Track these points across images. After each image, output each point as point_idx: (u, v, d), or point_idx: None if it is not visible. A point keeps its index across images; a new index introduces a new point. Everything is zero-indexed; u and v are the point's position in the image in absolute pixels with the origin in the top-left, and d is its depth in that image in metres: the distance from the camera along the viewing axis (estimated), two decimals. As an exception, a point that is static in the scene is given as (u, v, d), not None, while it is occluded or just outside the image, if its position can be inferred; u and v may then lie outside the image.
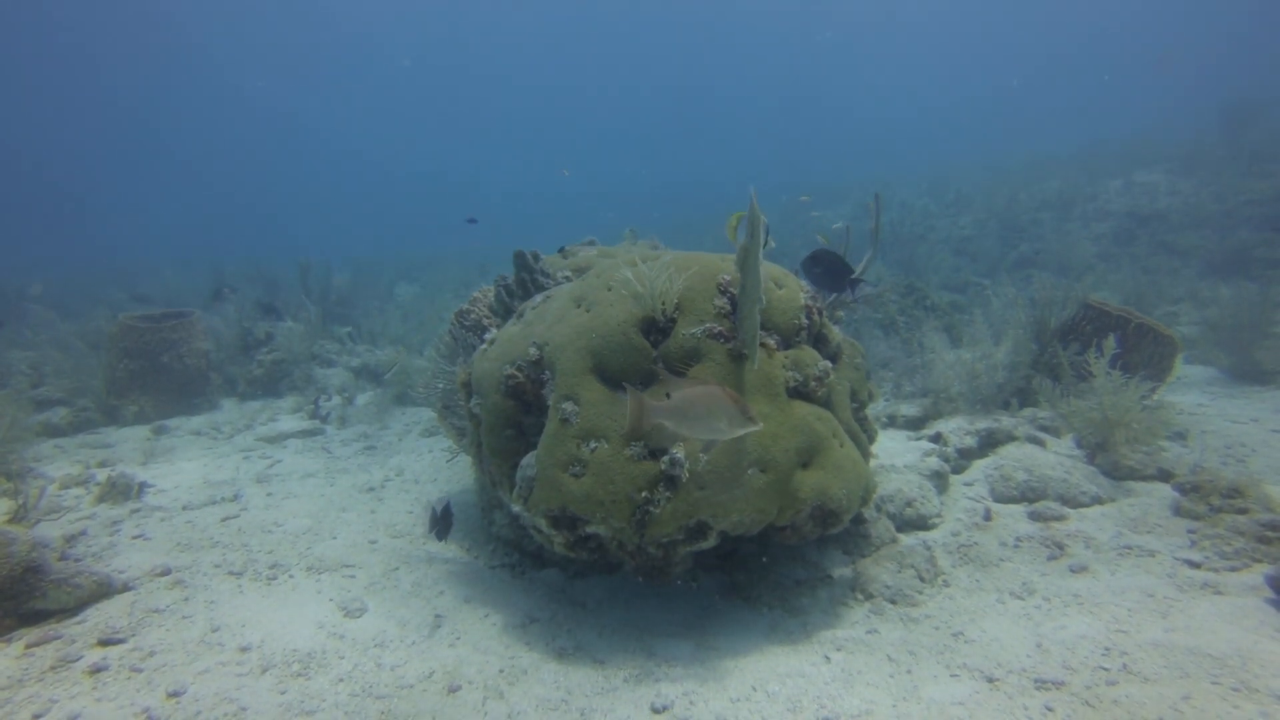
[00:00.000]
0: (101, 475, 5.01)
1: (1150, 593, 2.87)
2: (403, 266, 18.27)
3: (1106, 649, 2.50)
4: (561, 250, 4.32)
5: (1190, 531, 3.32)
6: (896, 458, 4.56)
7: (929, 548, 3.41)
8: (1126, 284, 8.50)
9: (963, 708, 2.27)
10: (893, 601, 3.07)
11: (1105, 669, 2.39)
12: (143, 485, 4.80)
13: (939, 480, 4.15)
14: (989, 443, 4.67)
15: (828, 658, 2.68)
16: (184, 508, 4.51)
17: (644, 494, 2.67)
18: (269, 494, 4.86)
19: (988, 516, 3.77)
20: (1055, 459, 4.11)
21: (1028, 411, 5.06)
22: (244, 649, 2.78)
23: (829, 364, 3.15)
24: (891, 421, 5.54)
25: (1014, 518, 3.75)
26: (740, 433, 2.34)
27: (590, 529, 2.74)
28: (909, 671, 2.53)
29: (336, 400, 7.63)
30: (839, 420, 3.19)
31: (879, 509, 3.80)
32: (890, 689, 2.43)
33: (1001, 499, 3.99)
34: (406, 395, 7.55)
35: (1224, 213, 10.64)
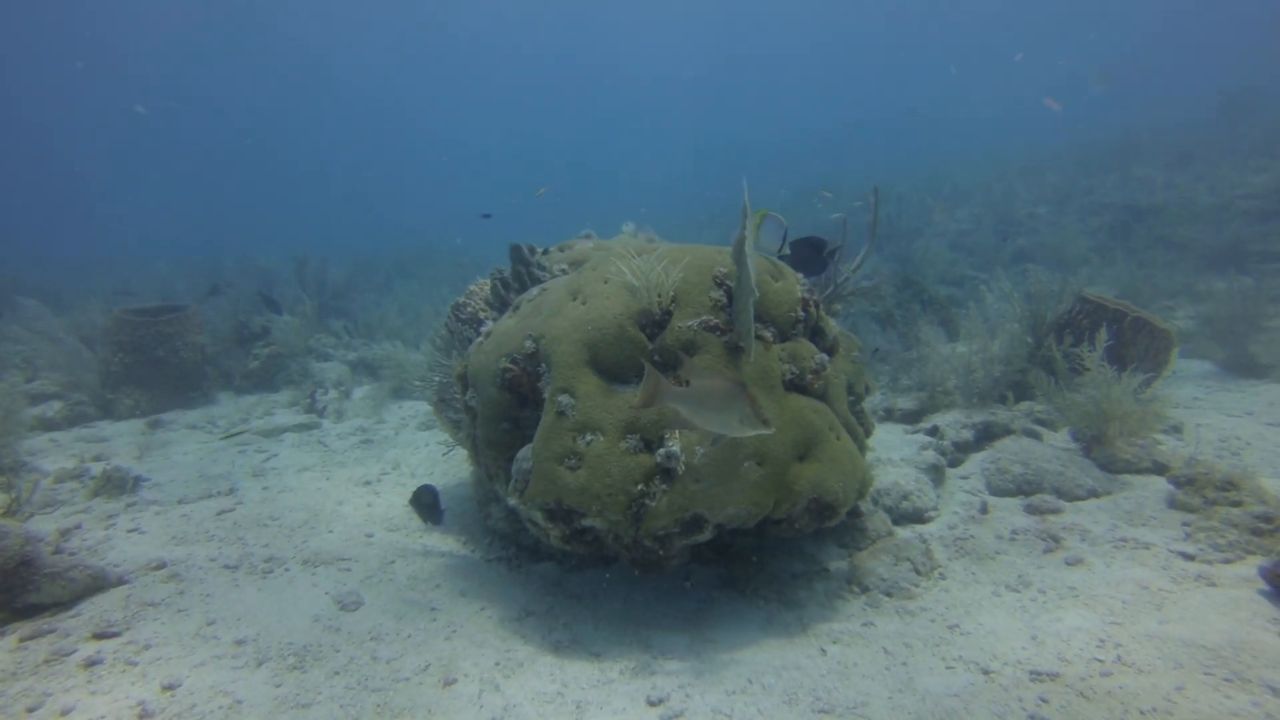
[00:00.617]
0: (97, 469, 4.99)
1: (1145, 585, 2.88)
2: (401, 261, 18.21)
3: (1101, 641, 2.51)
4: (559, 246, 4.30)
5: (1185, 524, 3.33)
6: (893, 451, 4.56)
7: (925, 541, 3.42)
8: (1123, 278, 8.50)
9: (958, 699, 2.27)
10: (889, 594, 3.08)
11: (1100, 660, 2.40)
12: (138, 479, 4.78)
13: (935, 473, 4.16)
14: (985, 436, 4.67)
15: (824, 650, 2.68)
16: (179, 501, 4.50)
17: (640, 487, 2.66)
18: (265, 488, 4.85)
19: (984, 509, 3.78)
20: (1051, 452, 4.12)
21: (1024, 405, 5.07)
22: (239, 642, 2.77)
23: (825, 357, 3.15)
24: (888, 415, 5.55)
25: (1010, 511, 3.76)
26: (750, 433, 2.31)
27: (586, 522, 2.74)
28: (905, 664, 2.53)
29: (333, 394, 7.61)
30: (835, 413, 3.19)
31: (875, 502, 3.81)
32: (886, 681, 2.44)
33: (997, 492, 4.00)
34: (403, 389, 7.54)
35: (1220, 206, 10.64)
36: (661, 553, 2.82)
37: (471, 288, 4.55)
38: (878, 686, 2.41)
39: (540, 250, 4.00)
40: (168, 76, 51.40)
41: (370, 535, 3.99)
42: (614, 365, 2.92)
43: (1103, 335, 4.31)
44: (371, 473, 5.18)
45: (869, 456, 4.37)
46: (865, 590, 3.12)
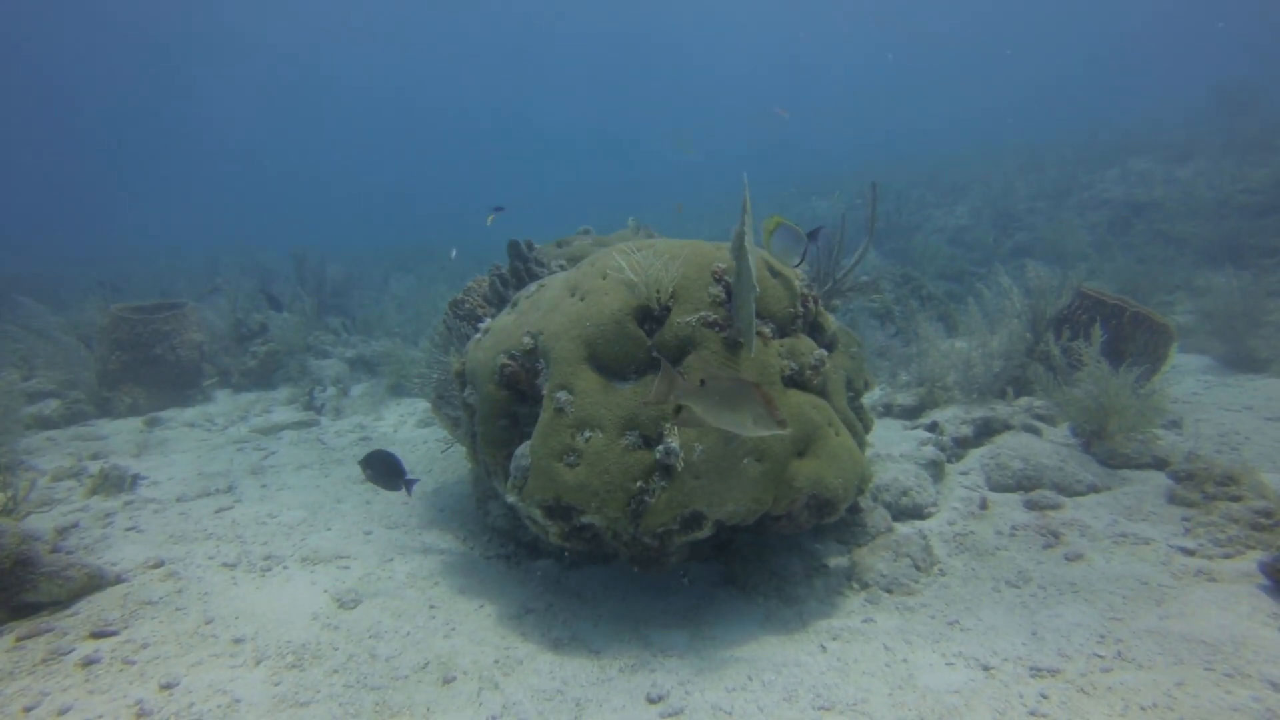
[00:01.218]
0: (94, 467, 4.97)
1: (1145, 580, 2.88)
2: (400, 257, 18.18)
3: (1101, 636, 2.51)
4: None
5: (1184, 519, 3.32)
6: (893, 447, 4.56)
7: (925, 537, 3.41)
8: (1122, 273, 8.49)
9: (958, 696, 2.27)
10: (889, 590, 3.07)
11: (1100, 656, 2.39)
12: (136, 477, 4.77)
13: (935, 469, 4.15)
14: (985, 431, 4.67)
15: (823, 647, 2.68)
16: (177, 499, 4.49)
17: (639, 484, 2.65)
18: (263, 486, 4.83)
19: (983, 505, 3.77)
20: (1051, 447, 4.12)
21: (1023, 400, 5.06)
22: (237, 641, 2.76)
23: (824, 352, 3.13)
24: (888, 410, 5.54)
25: (1010, 506, 3.75)
26: (763, 433, 2.30)
27: (585, 519, 2.73)
28: (905, 660, 2.53)
29: (331, 391, 7.59)
30: (835, 409, 3.18)
31: (875, 498, 3.80)
32: (886, 678, 2.43)
33: (997, 488, 4.00)
34: (402, 386, 7.52)
35: (1219, 201, 10.62)
36: (661, 550, 2.81)
37: (470, 284, 4.53)
38: (878, 683, 2.40)
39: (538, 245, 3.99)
40: (166, 75, 51.25)
41: (369, 533, 3.98)
42: (612, 361, 2.91)
43: (1097, 331, 4.31)
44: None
45: (868, 452, 4.36)
46: (865, 586, 3.12)
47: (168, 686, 2.42)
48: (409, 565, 3.55)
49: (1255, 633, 2.39)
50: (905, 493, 3.82)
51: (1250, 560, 2.91)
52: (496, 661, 2.68)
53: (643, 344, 2.91)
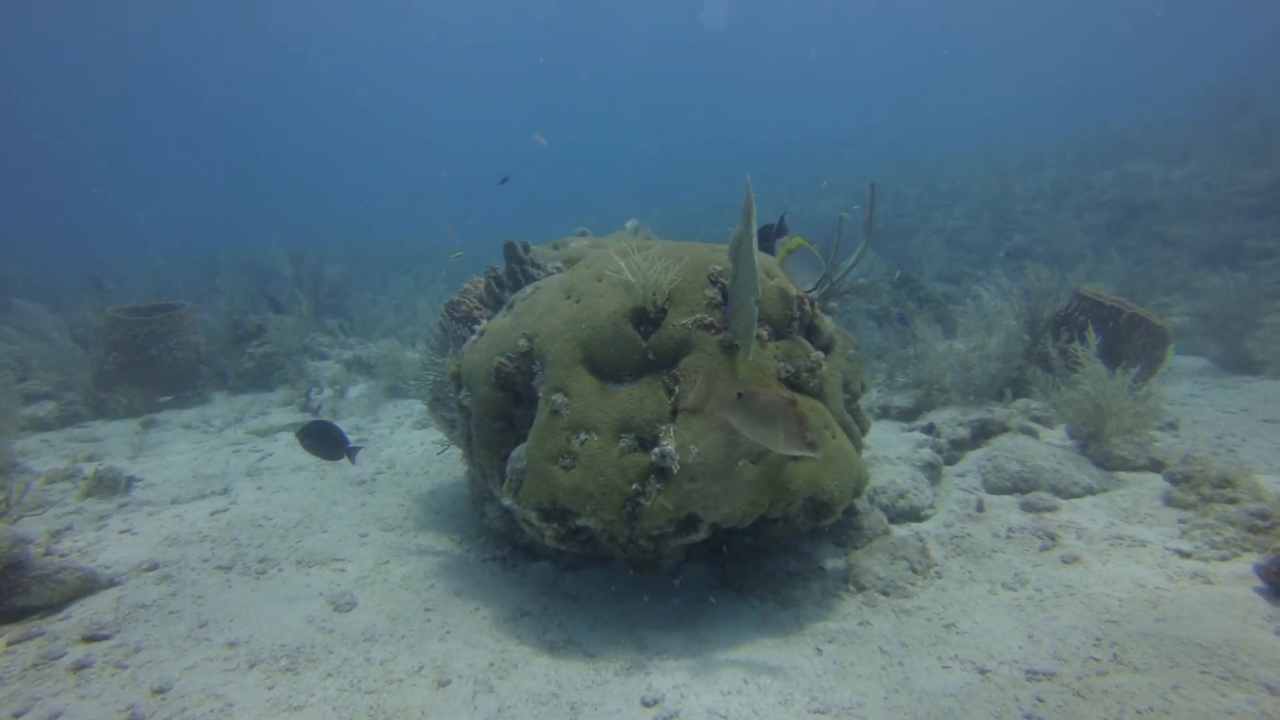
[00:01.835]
0: (89, 469, 4.95)
1: (1141, 583, 2.87)
2: (397, 258, 18.16)
3: (1098, 639, 2.50)
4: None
5: (1181, 521, 3.32)
6: (889, 449, 4.55)
7: (921, 539, 3.41)
8: (1119, 274, 8.50)
9: (954, 699, 2.26)
10: (885, 593, 3.06)
11: (1096, 659, 2.39)
12: (131, 479, 4.75)
13: (932, 471, 4.15)
14: (982, 434, 4.67)
15: (820, 650, 2.67)
16: (173, 502, 4.47)
17: (634, 486, 2.64)
18: (259, 487, 4.82)
19: (980, 507, 3.77)
20: (1048, 450, 4.12)
21: (1021, 402, 5.06)
22: (231, 644, 2.75)
23: (821, 355, 3.13)
24: (885, 413, 5.54)
25: (1006, 508, 3.75)
26: (792, 453, 2.35)
27: (580, 522, 2.72)
28: (901, 663, 2.52)
29: (328, 393, 7.58)
30: (831, 411, 3.17)
31: (872, 500, 3.79)
32: (882, 681, 2.42)
33: (994, 490, 4.00)
34: (398, 387, 7.51)
35: (1216, 203, 10.65)
36: (656, 552, 2.80)
37: (466, 286, 4.52)
38: (874, 686, 2.39)
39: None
40: (163, 73, 51.18)
41: (364, 535, 3.97)
42: (608, 364, 2.90)
43: (1092, 335, 4.31)
44: (366, 472, 5.16)
45: (865, 455, 4.35)
46: (861, 589, 3.11)
47: (160, 691, 2.41)
48: (405, 568, 3.54)
49: (1251, 636, 2.39)
50: (902, 495, 3.82)
51: (1246, 563, 2.91)
52: (492, 665, 2.67)
53: (638, 346, 2.90)
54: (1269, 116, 13.91)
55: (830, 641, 2.73)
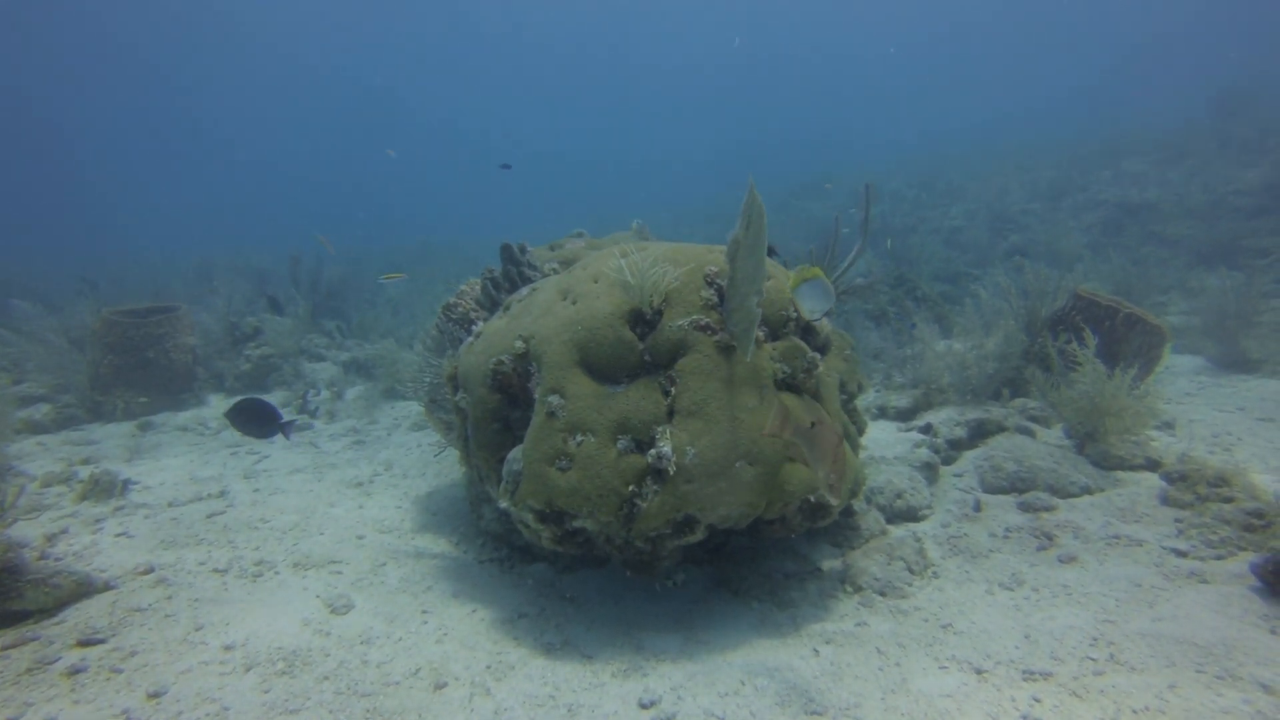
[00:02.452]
0: (85, 472, 4.94)
1: (1138, 582, 2.88)
2: (395, 259, 18.13)
3: (1094, 639, 2.51)
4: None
5: (1177, 520, 3.33)
6: (886, 449, 4.55)
7: (919, 539, 3.41)
8: (1116, 274, 8.52)
9: (951, 700, 2.26)
10: (882, 594, 3.06)
11: (1092, 659, 2.39)
12: (127, 482, 4.73)
13: (929, 471, 4.15)
14: (979, 433, 4.67)
15: (816, 651, 2.67)
16: (169, 504, 4.46)
17: (631, 488, 2.64)
18: (256, 490, 4.81)
19: (977, 507, 3.77)
20: (1045, 449, 4.12)
21: (1018, 402, 5.07)
22: (228, 647, 2.74)
23: (818, 355, 3.13)
24: (882, 413, 5.54)
25: (1004, 508, 3.75)
26: (815, 491, 2.66)
27: (577, 524, 2.72)
28: (898, 664, 2.52)
29: (325, 395, 7.57)
30: (828, 412, 3.17)
31: (869, 501, 3.80)
32: (879, 681, 2.42)
33: (991, 490, 4.00)
34: (396, 389, 7.50)
35: (1212, 202, 10.68)
36: (653, 554, 2.80)
37: (463, 288, 4.52)
38: (871, 687, 2.39)
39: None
40: (161, 73, 51.12)
41: (362, 537, 3.96)
42: (605, 365, 2.90)
43: (1090, 336, 4.32)
44: (363, 474, 5.15)
45: (862, 455, 4.36)
46: (858, 590, 3.11)
47: (156, 695, 2.40)
48: (401, 570, 3.53)
49: (1247, 635, 2.39)
50: (899, 495, 3.82)
51: (1242, 562, 2.91)
52: (489, 667, 2.67)
53: (635, 348, 2.90)
54: (1266, 116, 13.95)
55: (827, 642, 2.73)
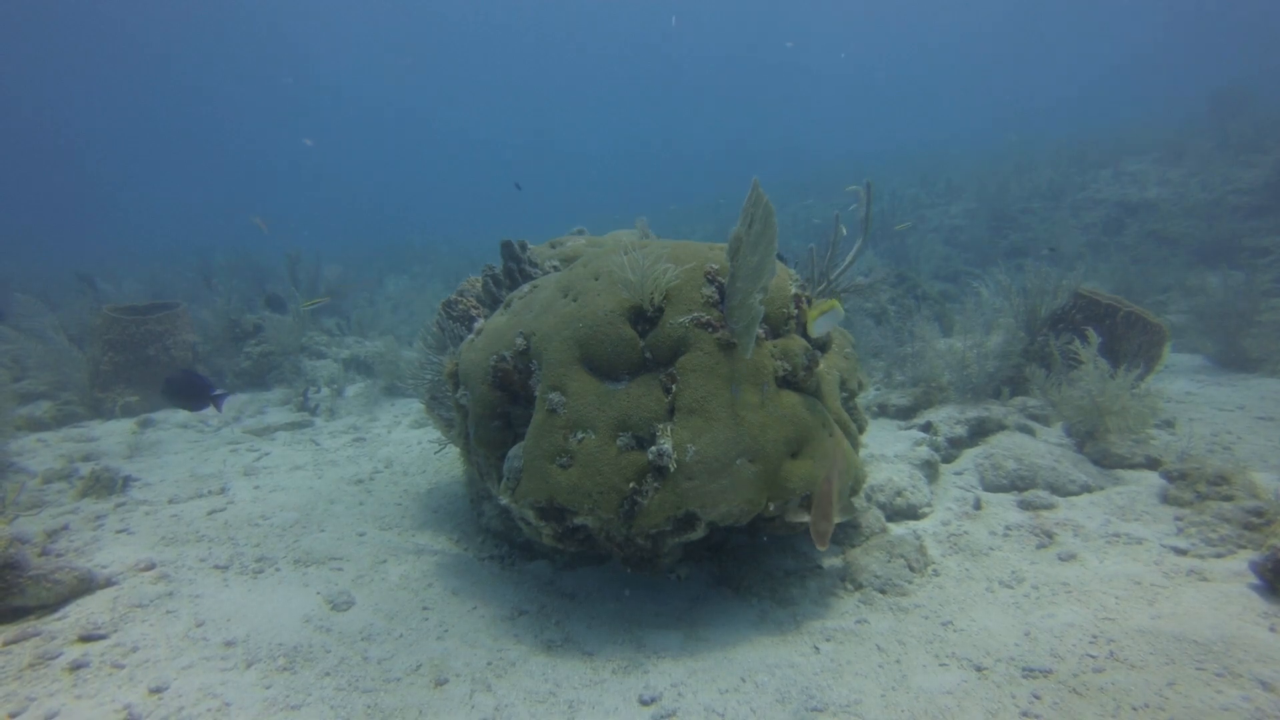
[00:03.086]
0: (85, 469, 4.94)
1: (1137, 580, 2.88)
2: (394, 258, 18.14)
3: (1094, 637, 2.51)
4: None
5: (1177, 519, 3.33)
6: (887, 447, 4.56)
7: (919, 537, 3.41)
8: (1116, 273, 8.53)
9: (951, 697, 2.27)
10: (882, 591, 3.07)
11: (1092, 656, 2.39)
12: (127, 479, 4.74)
13: (929, 469, 4.15)
14: (979, 431, 4.67)
15: (817, 648, 2.67)
16: (169, 501, 4.46)
17: (632, 485, 2.64)
18: (256, 487, 4.81)
19: (977, 505, 3.77)
20: (1045, 447, 4.12)
21: (1018, 400, 5.07)
22: (229, 643, 2.74)
23: (818, 353, 3.13)
24: (882, 411, 5.54)
25: (1004, 506, 3.76)
26: (834, 521, 2.64)
27: (578, 520, 2.72)
28: (898, 661, 2.53)
29: (325, 392, 7.56)
30: (828, 410, 3.18)
31: (869, 498, 3.80)
32: (879, 679, 2.43)
33: (991, 488, 4.00)
34: (396, 387, 7.50)
35: (1212, 201, 10.68)
36: (654, 551, 2.80)
37: (463, 285, 4.51)
38: (871, 684, 2.40)
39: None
40: (161, 73, 51.07)
41: (362, 534, 3.96)
42: (605, 362, 2.90)
43: (1093, 334, 4.32)
44: (364, 471, 5.15)
45: (862, 453, 4.36)
46: (859, 587, 3.11)
47: (157, 690, 2.41)
48: (402, 567, 3.54)
49: (1246, 632, 2.40)
50: (899, 493, 3.82)
51: (1242, 560, 2.92)
52: (489, 663, 2.67)
53: (635, 345, 2.90)
54: (1265, 116, 13.95)
55: (828, 639, 2.73)
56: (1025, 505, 3.70)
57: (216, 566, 3.48)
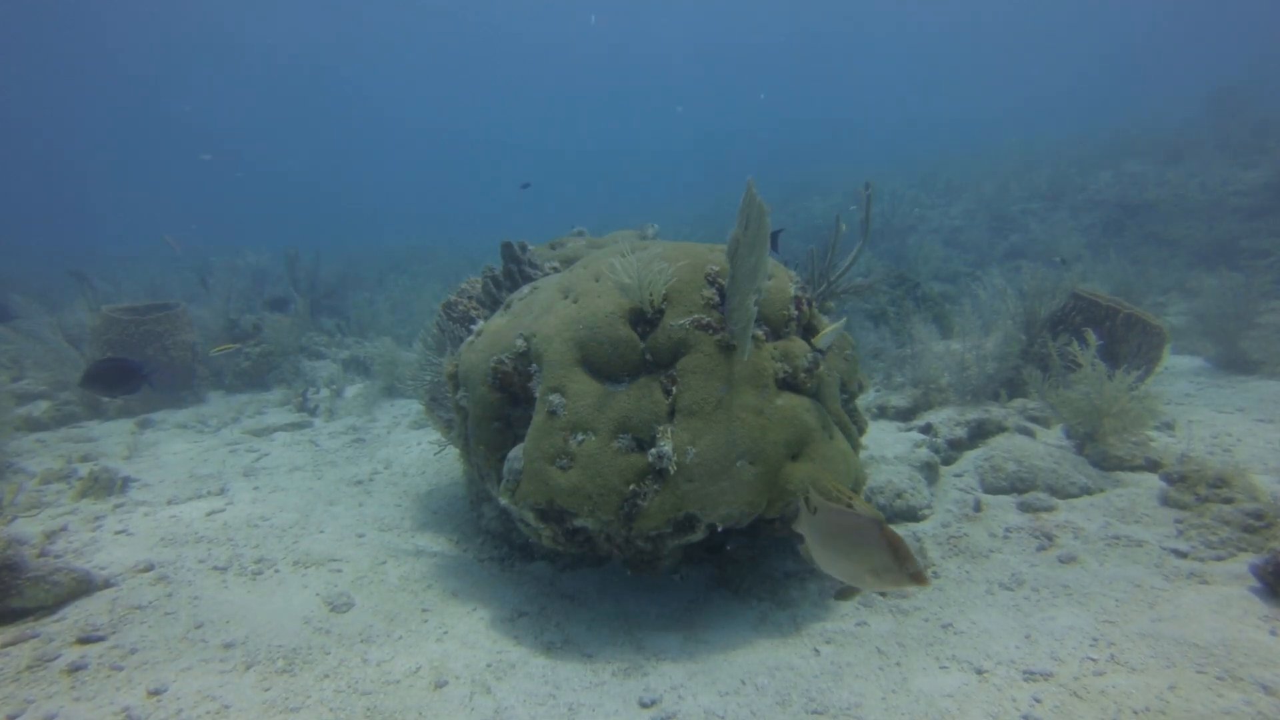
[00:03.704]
0: (84, 470, 4.93)
1: (1138, 583, 2.88)
2: (393, 258, 18.12)
3: (1094, 639, 2.51)
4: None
5: (1177, 521, 3.33)
6: (886, 449, 4.56)
7: (919, 539, 3.41)
8: (1115, 274, 8.52)
9: (951, 700, 2.27)
10: (882, 593, 3.06)
11: (1093, 659, 2.39)
12: (126, 480, 4.73)
13: (929, 471, 4.15)
14: (979, 433, 4.67)
15: (817, 650, 2.67)
16: (168, 502, 4.45)
17: (632, 487, 2.64)
18: (255, 488, 4.80)
19: (977, 507, 3.77)
20: (1045, 449, 4.12)
21: (1017, 402, 5.07)
22: (227, 645, 2.74)
23: (819, 355, 3.13)
24: (882, 412, 5.54)
25: (1003, 509, 3.76)
26: (890, 589, 1.81)
27: (578, 522, 2.72)
28: (898, 664, 2.53)
29: (324, 393, 7.55)
30: (828, 411, 3.17)
31: (869, 500, 3.80)
32: (879, 681, 2.43)
33: (991, 490, 4.00)
34: (395, 387, 7.49)
35: (1211, 203, 10.69)
36: (654, 553, 2.80)
37: (463, 286, 4.51)
38: (871, 687, 2.39)
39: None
40: (156, 73, 51.07)
41: (361, 535, 3.96)
42: (605, 364, 2.90)
43: (1091, 338, 4.32)
44: (363, 472, 5.14)
45: (862, 455, 4.36)
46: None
47: (156, 693, 2.40)
48: (401, 568, 3.53)
49: (1247, 635, 2.39)
50: (899, 495, 3.82)
51: (1242, 562, 2.91)
52: (489, 665, 2.67)
53: (635, 346, 2.90)
54: (1264, 117, 13.96)
55: (828, 642, 2.73)
56: (1025, 507, 3.70)
57: (215, 568, 3.47)
